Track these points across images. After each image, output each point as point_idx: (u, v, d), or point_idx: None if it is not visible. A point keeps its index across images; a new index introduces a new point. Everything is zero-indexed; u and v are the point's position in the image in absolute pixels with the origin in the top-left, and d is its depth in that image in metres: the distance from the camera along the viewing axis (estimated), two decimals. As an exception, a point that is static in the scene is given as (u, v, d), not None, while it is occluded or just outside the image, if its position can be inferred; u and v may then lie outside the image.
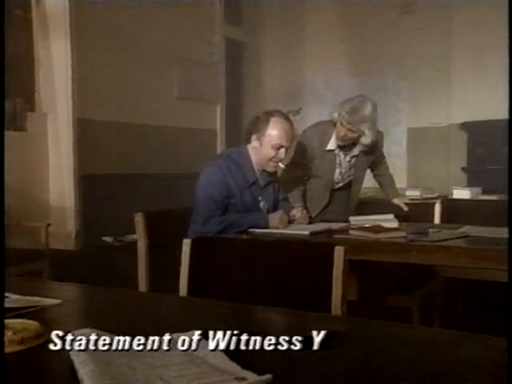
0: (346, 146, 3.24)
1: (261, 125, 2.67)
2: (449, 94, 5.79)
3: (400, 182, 6.26)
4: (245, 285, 1.63)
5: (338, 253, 1.52)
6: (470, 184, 5.51)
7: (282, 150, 2.66)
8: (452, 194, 5.25)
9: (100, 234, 4.66)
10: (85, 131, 4.75)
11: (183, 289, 1.70)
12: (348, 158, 3.32)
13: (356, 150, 3.27)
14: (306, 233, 2.39)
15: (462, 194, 5.12)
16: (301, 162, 3.31)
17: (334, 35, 6.45)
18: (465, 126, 5.64)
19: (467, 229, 2.43)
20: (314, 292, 1.54)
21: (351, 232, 2.32)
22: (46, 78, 4.74)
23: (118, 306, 1.27)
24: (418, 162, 6.07)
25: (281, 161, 2.72)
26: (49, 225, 4.13)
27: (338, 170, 3.34)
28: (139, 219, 2.88)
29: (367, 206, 3.92)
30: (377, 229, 2.29)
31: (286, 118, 2.72)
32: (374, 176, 3.65)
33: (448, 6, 5.66)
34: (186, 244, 1.72)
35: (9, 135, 4.50)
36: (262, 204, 2.74)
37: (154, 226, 2.89)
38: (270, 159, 2.68)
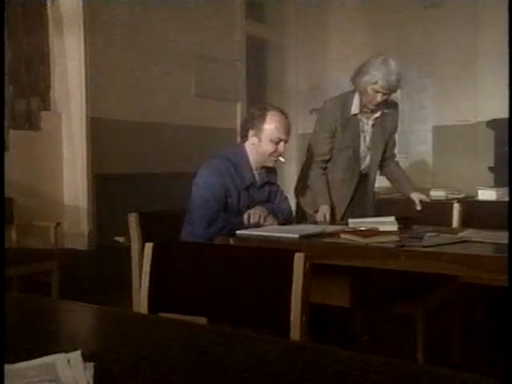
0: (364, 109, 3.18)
1: (257, 120, 2.63)
2: (475, 91, 5.57)
3: (425, 181, 6.08)
4: (205, 293, 1.54)
5: (298, 260, 1.41)
6: (498, 184, 5.27)
7: (282, 144, 2.63)
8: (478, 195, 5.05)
9: (113, 234, 4.63)
10: (99, 130, 4.73)
11: (144, 296, 1.61)
12: (371, 122, 3.21)
13: (378, 112, 3.18)
14: (296, 236, 2.28)
15: (487, 194, 4.90)
16: (323, 136, 3.20)
17: (358, 32, 6.29)
18: (492, 124, 5.41)
19: (469, 233, 2.28)
20: (273, 302, 1.44)
21: (342, 236, 2.19)
22: (60, 76, 4.74)
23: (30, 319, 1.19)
24: (443, 162, 5.87)
25: (281, 155, 2.67)
26: (58, 224, 4.11)
27: (362, 135, 3.22)
28: (133, 220, 2.82)
29: (389, 206, 3.75)
30: (368, 233, 2.16)
31: (282, 111, 2.69)
32: (386, 174, 3.49)
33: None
34: (148, 248, 1.64)
35: (23, 134, 4.53)
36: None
37: (149, 227, 2.83)
38: (269, 154, 2.64)
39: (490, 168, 5.47)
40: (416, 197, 3.30)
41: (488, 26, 5.40)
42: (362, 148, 3.25)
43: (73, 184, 4.70)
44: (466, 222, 3.37)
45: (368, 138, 3.23)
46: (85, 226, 4.66)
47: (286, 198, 2.93)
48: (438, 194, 5.56)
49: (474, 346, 3.18)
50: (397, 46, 6.04)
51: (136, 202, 4.62)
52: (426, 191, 5.71)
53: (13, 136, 4.39)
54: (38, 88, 4.67)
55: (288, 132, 2.66)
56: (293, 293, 1.40)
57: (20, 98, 4.56)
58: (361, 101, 3.14)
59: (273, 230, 2.44)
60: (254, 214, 2.59)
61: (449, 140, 5.83)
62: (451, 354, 2.98)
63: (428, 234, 2.25)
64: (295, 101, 6.86)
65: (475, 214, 3.49)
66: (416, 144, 6.10)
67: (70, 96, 4.70)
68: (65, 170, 4.73)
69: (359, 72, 3.10)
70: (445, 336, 3.05)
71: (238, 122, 6.22)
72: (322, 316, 2.80)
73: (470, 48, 5.58)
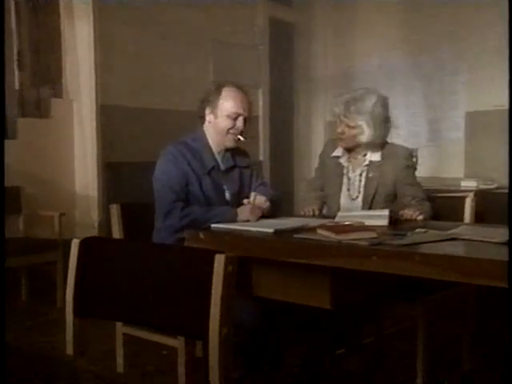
0: (351, 154, 2.77)
1: (212, 97, 2.47)
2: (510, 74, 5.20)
3: (456, 171, 5.75)
4: (125, 296, 1.38)
5: (219, 262, 1.23)
6: (533, 174, 4.91)
7: (240, 119, 2.46)
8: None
9: (124, 224, 4.54)
10: (111, 118, 4.63)
11: (69, 299, 1.47)
12: (357, 172, 2.75)
13: (364, 162, 2.73)
14: (271, 230, 2.10)
15: (519, 184, 4.57)
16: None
17: (389, 13, 5.99)
18: (528, 109, 5.03)
19: (462, 229, 2.04)
20: (192, 310, 1.27)
21: (318, 231, 1.99)
22: (72, 63, 4.66)
23: None
24: (476, 149, 5.52)
25: (240, 133, 2.48)
26: (62, 214, 4.04)
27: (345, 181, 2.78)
28: (114, 211, 2.70)
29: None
30: (344, 228, 1.95)
31: (238, 86, 2.51)
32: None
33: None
34: (75, 245, 1.49)
35: (33, 122, 4.46)
36: (227, 194, 2.49)
37: (132, 219, 2.69)
38: (227, 131, 2.46)
39: (524, 156, 5.10)
40: None
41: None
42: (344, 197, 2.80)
43: (84, 173, 4.62)
44: (483, 216, 3.12)
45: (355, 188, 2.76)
46: (95, 216, 4.58)
47: (264, 182, 2.73)
48: (469, 184, 5.23)
49: (486, 353, 2.93)
50: (428, 27, 5.72)
51: (148, 191, 4.50)
52: (457, 181, 5.43)
53: (22, 124, 4.34)
54: (49, 76, 4.60)
55: (246, 108, 2.47)
56: (212, 300, 1.23)
57: (31, 85, 4.50)
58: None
59: (248, 224, 2.26)
60: (241, 211, 2.40)
61: (483, 126, 5.47)
62: (460, 361, 2.74)
63: (417, 230, 2.02)
64: (323, 86, 6.60)
65: (497, 206, 3.23)
66: (447, 131, 5.76)
67: (81, 83, 4.62)
68: (76, 159, 4.65)
69: (349, 110, 2.72)
70: (454, 342, 2.81)
71: (260, 109, 6.02)
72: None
73: (506, 30, 5.20)
